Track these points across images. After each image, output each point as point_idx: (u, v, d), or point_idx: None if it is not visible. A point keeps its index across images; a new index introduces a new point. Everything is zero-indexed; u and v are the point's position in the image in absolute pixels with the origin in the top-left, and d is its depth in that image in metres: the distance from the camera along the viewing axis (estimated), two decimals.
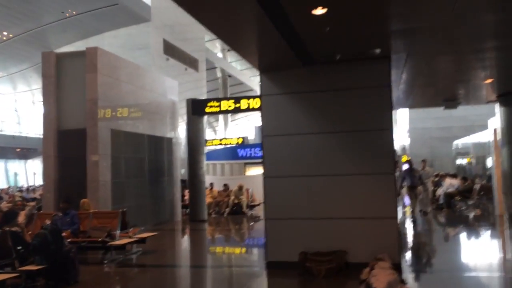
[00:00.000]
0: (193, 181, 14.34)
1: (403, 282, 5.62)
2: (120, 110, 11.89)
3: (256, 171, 24.90)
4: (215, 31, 5.55)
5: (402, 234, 6.54)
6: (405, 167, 11.91)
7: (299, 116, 6.94)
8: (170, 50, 26.69)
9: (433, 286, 5.91)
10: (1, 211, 10.13)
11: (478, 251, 8.44)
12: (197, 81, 29.61)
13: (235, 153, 26.01)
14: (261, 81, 7.18)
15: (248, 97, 14.40)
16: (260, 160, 25.74)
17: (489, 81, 8.92)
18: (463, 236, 10.41)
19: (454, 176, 17.01)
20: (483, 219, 12.92)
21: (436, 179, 17.34)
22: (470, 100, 11.28)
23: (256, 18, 4.93)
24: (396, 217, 6.43)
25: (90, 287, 6.55)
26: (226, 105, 14.17)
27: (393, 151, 6.48)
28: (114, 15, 24.17)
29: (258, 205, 16.66)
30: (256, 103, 13.84)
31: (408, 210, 12.72)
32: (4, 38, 25.60)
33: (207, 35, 29.96)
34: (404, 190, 12.36)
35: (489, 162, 15.40)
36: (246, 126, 51.06)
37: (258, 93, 7.96)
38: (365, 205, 6.55)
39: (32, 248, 6.04)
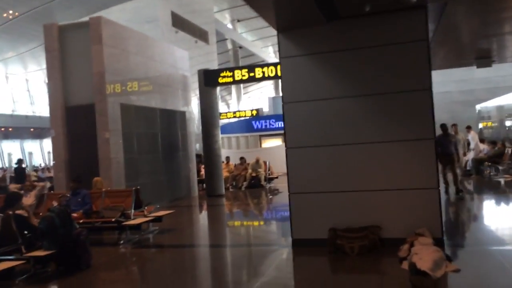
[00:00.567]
0: (209, 155, 13.82)
1: (448, 259, 5.02)
2: (130, 83, 11.30)
3: (272, 143, 24.37)
4: None
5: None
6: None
7: (323, 80, 6.25)
8: (179, 22, 25.88)
9: (481, 262, 5.30)
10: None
11: None
12: (208, 54, 28.86)
13: (250, 125, 25.45)
14: (279, 42, 6.47)
15: (263, 65, 13.66)
16: (276, 132, 25.26)
17: None
18: (499, 204, 9.73)
19: (482, 141, 16.18)
20: None
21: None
22: (505, 58, 10.37)
23: None
24: (437, 188, 5.78)
25: (104, 271, 6.12)
26: (239, 74, 13.46)
27: (433, 113, 5.77)
28: None
29: (277, 177, 16.22)
30: (271, 71, 13.10)
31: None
32: (10, 16, 25.08)
33: (216, 6, 28.97)
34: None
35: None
36: (260, 98, 50.28)
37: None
38: (402, 175, 5.91)
39: (40, 232, 5.58)
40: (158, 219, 8.15)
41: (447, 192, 10.08)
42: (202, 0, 25.47)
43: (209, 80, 13.74)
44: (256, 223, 9.79)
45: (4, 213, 5.73)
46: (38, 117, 34.85)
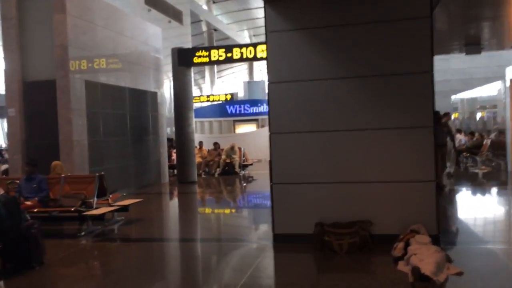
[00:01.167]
0: (181, 139, 13.06)
1: (449, 260, 4.54)
2: (96, 59, 10.36)
3: (247, 128, 23.73)
4: None
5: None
6: None
7: (314, 58, 5.61)
8: (152, 0, 24.64)
9: (483, 261, 4.86)
10: None
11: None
12: (182, 36, 27.72)
13: (224, 110, 24.72)
14: (265, 14, 5.78)
15: (241, 46, 12.92)
16: (250, 117, 24.53)
17: None
18: (487, 198, 9.45)
19: (459, 131, 16.05)
20: (495, 177, 12.06)
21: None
22: (494, 45, 10.02)
23: None
24: (434, 180, 5.28)
25: (60, 268, 5.36)
26: (216, 54, 12.68)
27: (433, 99, 5.24)
28: None
29: (251, 164, 15.66)
30: (250, 52, 12.40)
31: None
32: None
33: None
34: None
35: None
36: (234, 82, 49.32)
37: None
38: (396, 166, 5.38)
39: None
40: (124, 209, 7.41)
41: (440, 186, 9.71)
42: None
43: (183, 59, 12.92)
44: (231, 214, 9.17)
45: None
46: None
